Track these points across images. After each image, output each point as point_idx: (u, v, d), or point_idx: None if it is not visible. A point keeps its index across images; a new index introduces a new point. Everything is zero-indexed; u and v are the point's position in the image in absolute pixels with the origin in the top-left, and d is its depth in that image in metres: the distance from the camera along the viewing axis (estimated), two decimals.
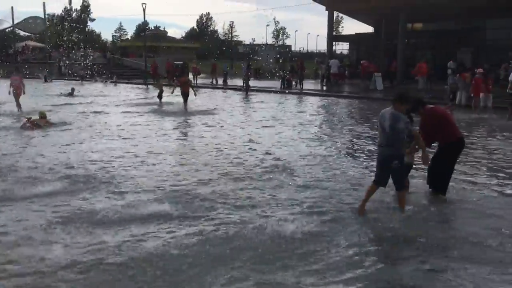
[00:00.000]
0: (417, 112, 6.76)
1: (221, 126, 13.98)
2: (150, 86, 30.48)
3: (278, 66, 32.43)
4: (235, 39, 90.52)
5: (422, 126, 6.71)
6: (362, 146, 11.07)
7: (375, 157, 6.58)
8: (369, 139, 11.97)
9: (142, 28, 61.17)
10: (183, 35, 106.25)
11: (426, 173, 7.09)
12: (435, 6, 28.19)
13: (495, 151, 10.36)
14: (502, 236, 5.48)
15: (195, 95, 18.63)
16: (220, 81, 34.43)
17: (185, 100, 18.39)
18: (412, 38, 34.85)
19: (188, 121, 15.57)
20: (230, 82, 34.58)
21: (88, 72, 36.24)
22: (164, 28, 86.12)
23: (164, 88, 22.11)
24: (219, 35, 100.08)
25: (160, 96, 21.07)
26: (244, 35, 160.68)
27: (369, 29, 42.13)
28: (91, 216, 6.04)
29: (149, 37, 56.30)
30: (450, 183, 7.02)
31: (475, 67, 20.45)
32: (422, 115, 6.76)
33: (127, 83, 35.81)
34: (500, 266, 4.73)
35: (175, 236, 5.41)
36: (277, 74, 29.79)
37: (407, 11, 29.60)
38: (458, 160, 7.15)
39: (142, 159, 9.34)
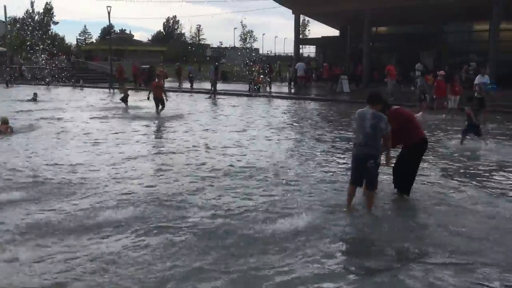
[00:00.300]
0: (383, 113, 6.85)
1: (186, 132, 13.73)
2: (116, 90, 29.89)
3: (247, 69, 32.38)
4: (203, 42, 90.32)
5: None
6: (334, 148, 11.17)
7: (345, 156, 6.61)
8: (338, 140, 12.13)
9: (107, 31, 60.24)
10: (150, 38, 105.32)
11: (392, 174, 7.21)
12: (398, 10, 28.85)
13: (455, 152, 10.63)
14: (472, 239, 5.47)
15: (166, 100, 18.12)
16: (186, 85, 34.01)
17: (157, 105, 17.56)
18: (377, 41, 35.54)
19: (157, 125, 15.39)
20: (197, 85, 34.21)
21: (54, 76, 35.34)
22: (130, 31, 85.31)
23: (129, 92, 21.77)
24: (186, 39, 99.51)
25: (125, 100, 20.70)
26: (212, 38, 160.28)
27: (335, 32, 42.75)
28: (50, 226, 5.81)
29: (114, 41, 55.48)
30: (415, 184, 7.16)
31: (437, 70, 21.04)
32: (388, 116, 6.86)
33: (93, 87, 35.13)
34: (471, 273, 4.64)
35: (142, 244, 5.27)
36: (251, 78, 29.59)
37: (371, 15, 30.19)
38: (422, 160, 7.31)
39: (108, 165, 9.14)
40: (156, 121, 16.11)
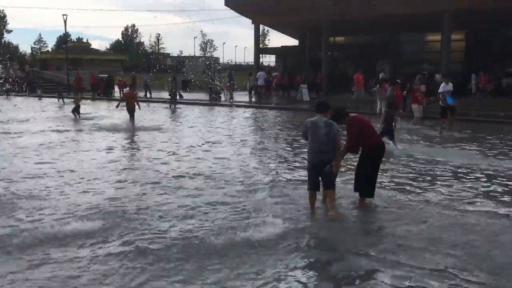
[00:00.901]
0: (343, 121, 7.01)
1: (147, 142, 13.56)
2: (66, 100, 28.73)
3: (207, 78, 32.31)
4: (163, 51, 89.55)
5: (350, 133, 7.01)
6: (292, 155, 11.33)
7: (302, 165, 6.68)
8: (297, 146, 12.31)
9: (64, 40, 58.94)
10: (108, 47, 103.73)
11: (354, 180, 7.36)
12: (355, 21, 29.63)
13: (418, 158, 10.89)
14: (441, 254, 5.26)
15: (139, 109, 17.66)
16: (141, 94, 33.35)
17: (131, 116, 16.63)
18: (335, 50, 36.31)
19: (115, 137, 14.97)
20: (154, 95, 33.51)
21: (12, 86, 34.23)
22: (87, 40, 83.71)
23: (81, 103, 21.34)
24: (146, 47, 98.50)
25: (76, 111, 20.17)
26: (172, 48, 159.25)
27: (295, 42, 43.40)
28: (5, 241, 5.59)
29: (71, 49, 54.36)
30: (377, 189, 7.34)
31: (394, 78, 21.69)
32: (347, 123, 7.05)
33: (49, 97, 34.14)
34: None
35: (100, 259, 5.09)
36: (210, 87, 29.53)
37: (328, 25, 30.85)
38: (382, 165, 7.52)
39: (63, 178, 8.84)
40: (115, 133, 15.73)
